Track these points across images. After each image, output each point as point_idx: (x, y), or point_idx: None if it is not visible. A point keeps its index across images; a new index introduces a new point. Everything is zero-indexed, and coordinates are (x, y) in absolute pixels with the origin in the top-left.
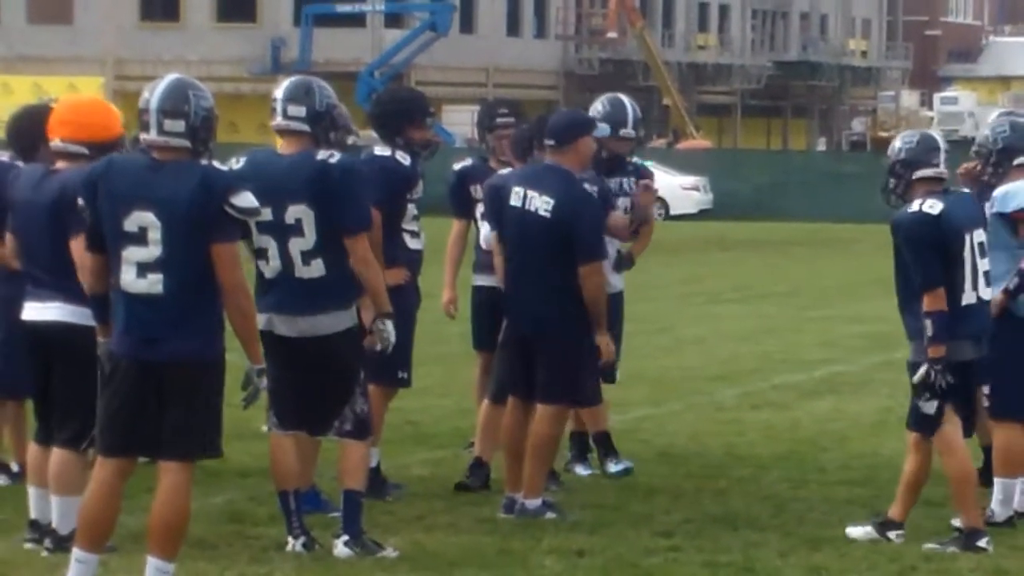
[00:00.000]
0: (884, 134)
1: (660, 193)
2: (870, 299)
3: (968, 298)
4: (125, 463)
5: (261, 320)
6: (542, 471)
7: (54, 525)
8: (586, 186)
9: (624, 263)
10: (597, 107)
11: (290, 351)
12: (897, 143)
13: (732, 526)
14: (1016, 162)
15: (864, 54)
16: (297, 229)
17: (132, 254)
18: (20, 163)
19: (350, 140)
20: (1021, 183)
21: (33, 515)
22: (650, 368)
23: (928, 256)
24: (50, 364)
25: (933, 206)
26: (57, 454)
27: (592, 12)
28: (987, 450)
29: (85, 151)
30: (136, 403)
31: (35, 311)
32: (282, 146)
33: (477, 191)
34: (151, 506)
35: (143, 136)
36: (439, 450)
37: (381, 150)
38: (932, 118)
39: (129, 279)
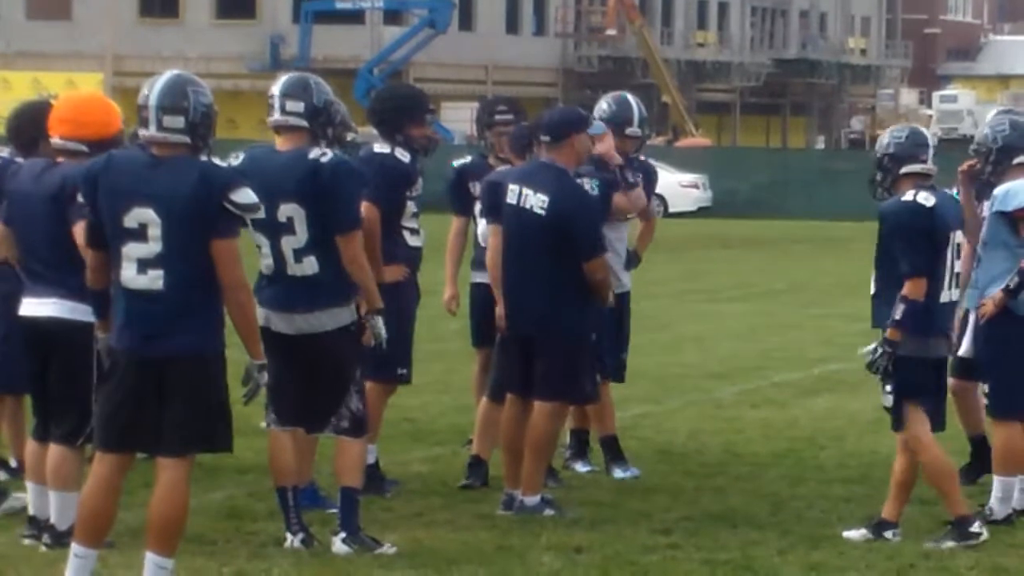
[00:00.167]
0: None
1: (659, 190)
2: (869, 297)
3: (945, 296)
4: (124, 458)
5: (259, 316)
6: (540, 468)
7: (52, 521)
8: (584, 181)
9: (632, 261)
10: (602, 106)
11: (287, 348)
12: (886, 137)
13: (731, 524)
14: (1016, 160)
15: (863, 52)
16: (288, 227)
17: (132, 250)
18: (20, 159)
19: (349, 136)
20: (1022, 181)
21: (31, 511)
22: (649, 366)
23: (919, 245)
24: (47, 360)
25: (927, 199)
26: (54, 450)
27: (591, 9)
28: (974, 441)
29: (85, 148)
30: (135, 399)
31: (32, 307)
32: (280, 142)
33: (476, 188)
34: (150, 502)
35: (142, 132)
36: (437, 447)
37: (380, 147)
38: (931, 116)
39: (129, 275)
